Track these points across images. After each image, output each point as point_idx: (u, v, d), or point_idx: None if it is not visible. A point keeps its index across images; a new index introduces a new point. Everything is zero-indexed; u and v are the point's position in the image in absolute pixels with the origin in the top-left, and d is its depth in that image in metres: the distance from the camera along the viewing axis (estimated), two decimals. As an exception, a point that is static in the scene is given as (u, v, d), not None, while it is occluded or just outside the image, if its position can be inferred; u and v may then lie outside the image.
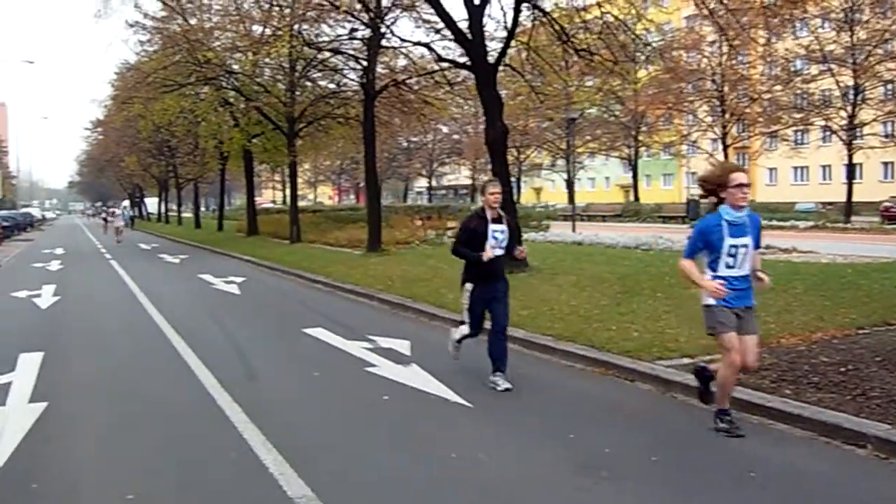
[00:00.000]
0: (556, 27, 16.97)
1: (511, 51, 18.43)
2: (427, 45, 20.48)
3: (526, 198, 75.57)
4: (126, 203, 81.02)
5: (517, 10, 16.37)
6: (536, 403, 7.54)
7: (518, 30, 17.34)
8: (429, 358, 9.62)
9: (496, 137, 16.52)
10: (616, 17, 17.01)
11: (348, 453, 6.30)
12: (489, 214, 8.34)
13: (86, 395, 8.54)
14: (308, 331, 11.90)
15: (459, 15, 17.18)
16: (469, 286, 8.53)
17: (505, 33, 18.48)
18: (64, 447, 6.69)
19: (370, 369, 9.19)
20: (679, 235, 25.55)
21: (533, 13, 17.03)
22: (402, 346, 10.39)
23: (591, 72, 18.60)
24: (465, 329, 8.69)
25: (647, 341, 9.38)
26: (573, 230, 31.58)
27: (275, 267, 23.03)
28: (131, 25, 31.80)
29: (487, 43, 17.25)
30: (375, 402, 7.79)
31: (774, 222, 35.75)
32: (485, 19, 16.69)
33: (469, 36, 16.51)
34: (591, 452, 6.17)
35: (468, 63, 17.45)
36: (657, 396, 7.81)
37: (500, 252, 8.34)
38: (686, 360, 8.59)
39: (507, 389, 7.93)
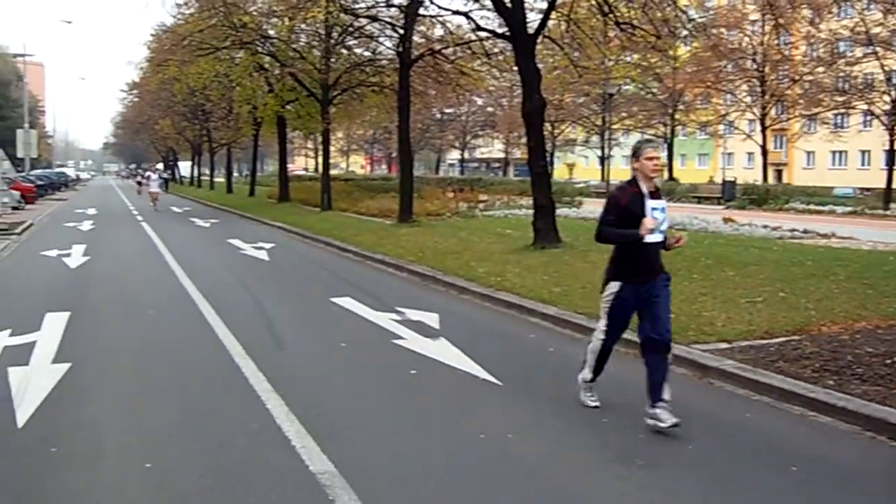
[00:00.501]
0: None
1: (550, 23, 18.01)
2: (465, 14, 20.12)
3: (558, 173, 74.86)
4: (160, 166, 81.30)
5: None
6: (568, 384, 7.30)
7: (558, 1, 16.93)
8: (458, 332, 9.42)
9: (533, 110, 16.20)
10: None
11: (373, 429, 6.12)
12: (645, 187, 6.30)
13: (110, 358, 8.44)
14: (336, 300, 11.74)
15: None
16: (615, 285, 6.42)
17: (544, 4, 18.14)
18: (85, 411, 6.57)
19: (398, 342, 9.00)
20: (714, 216, 25.19)
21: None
22: (431, 320, 10.19)
23: (631, 46, 18.20)
24: (590, 363, 6.67)
25: (682, 324, 9.09)
26: (607, 207, 31.10)
27: (305, 234, 22.92)
28: (168, -14, 31.65)
29: (526, 14, 16.85)
30: (402, 376, 7.60)
31: (812, 206, 35.08)
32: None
33: (509, 5, 16.15)
34: (624, 438, 5.96)
35: (507, 33, 17.09)
36: (693, 381, 7.55)
37: (659, 237, 6.31)
38: (723, 345, 8.34)
39: (674, 425, 5.92)
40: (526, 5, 16.94)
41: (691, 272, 12.76)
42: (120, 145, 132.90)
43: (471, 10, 20.48)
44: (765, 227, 21.61)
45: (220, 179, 72.50)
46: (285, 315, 10.94)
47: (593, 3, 17.07)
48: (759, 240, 18.57)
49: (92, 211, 36.01)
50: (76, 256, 17.47)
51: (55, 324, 9.90)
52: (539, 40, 17.31)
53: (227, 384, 7.32)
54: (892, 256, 15.02)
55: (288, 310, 11.45)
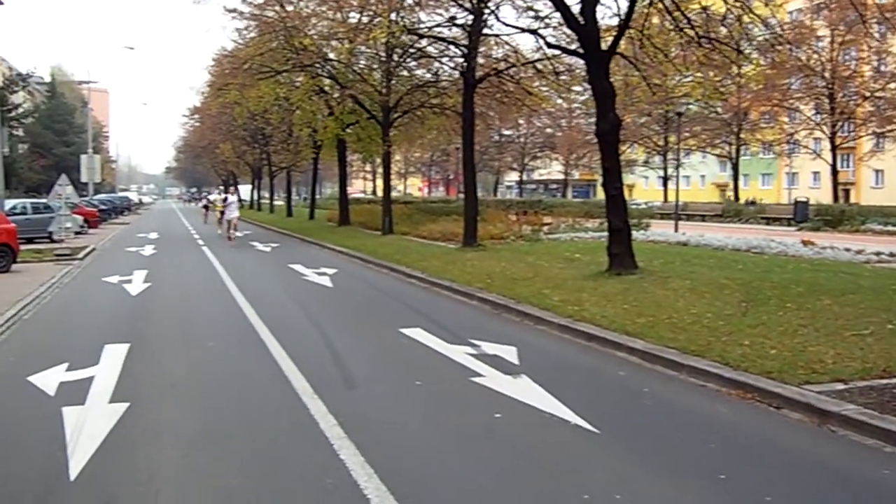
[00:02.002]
0: (674, 13, 15.80)
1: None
2: (534, 32, 19.46)
3: (619, 195, 73.66)
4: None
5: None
6: (673, 432, 6.56)
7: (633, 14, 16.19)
8: (539, 368, 8.74)
9: (608, 129, 15.45)
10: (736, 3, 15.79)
11: (462, 486, 5.45)
12: None
13: (170, 396, 7.90)
14: (406, 331, 11.12)
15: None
16: None
17: (615, 21, 17.50)
18: (143, 460, 6.01)
19: (476, 379, 8.33)
20: (790, 239, 24.11)
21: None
22: (509, 354, 9.51)
23: (708, 62, 17.35)
24: None
25: (788, 360, 8.30)
26: (675, 230, 30.20)
27: (367, 259, 22.40)
28: (229, 11, 31.54)
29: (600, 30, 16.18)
30: (487, 421, 6.91)
31: (890, 227, 33.58)
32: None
33: (581, 21, 15.47)
34: (750, 501, 5.19)
35: (579, 50, 16.41)
36: (812, 430, 6.74)
37: None
38: (839, 386, 7.51)
39: None
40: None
41: (783, 300, 11.90)
42: (181, 169, 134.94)
43: (539, 28, 19.79)
44: (846, 249, 20.53)
45: (279, 202, 72.69)
46: (353, 348, 10.33)
47: (668, 17, 16.31)
48: (847, 264, 17.55)
49: (154, 235, 36.04)
50: (137, 283, 17.14)
51: (114, 357, 9.45)
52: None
53: (295, 429, 6.72)
54: None
55: (355, 342, 10.83)
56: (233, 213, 32.14)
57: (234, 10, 31.37)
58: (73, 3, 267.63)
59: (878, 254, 19.73)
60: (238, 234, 32.44)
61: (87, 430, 6.60)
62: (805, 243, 21.88)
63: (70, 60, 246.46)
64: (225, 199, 36.83)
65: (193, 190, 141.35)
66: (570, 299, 12.84)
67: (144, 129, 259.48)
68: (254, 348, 10.18)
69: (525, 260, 19.04)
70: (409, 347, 10.21)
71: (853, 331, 9.67)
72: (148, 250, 26.73)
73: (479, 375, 8.49)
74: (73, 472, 5.66)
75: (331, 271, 19.29)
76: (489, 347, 9.89)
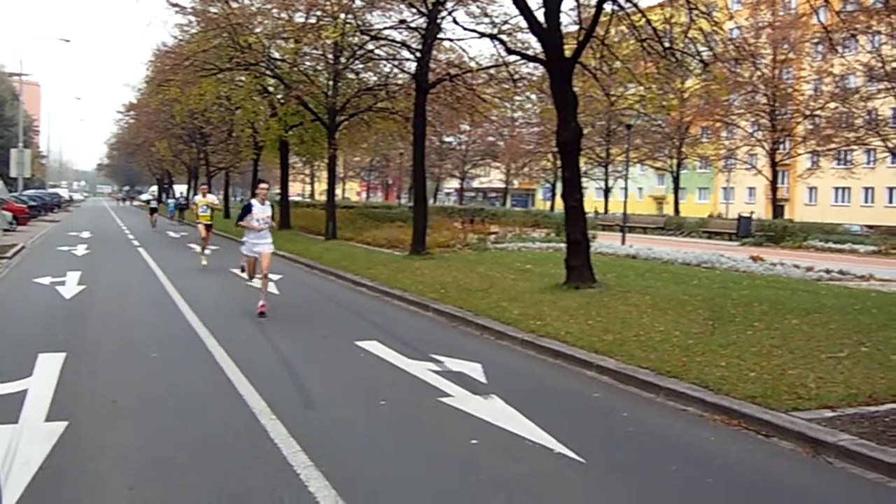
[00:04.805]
0: (637, 24, 15.53)
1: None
2: (493, 37, 19.01)
3: (558, 205, 73.92)
4: (154, 189, 79.84)
5: (601, 1, 14.87)
6: (665, 463, 6.12)
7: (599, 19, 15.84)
8: (509, 388, 8.27)
9: (571, 138, 15.03)
10: (701, 14, 15.59)
11: (448, 526, 4.93)
12: None
13: (113, 415, 7.22)
14: (362, 344, 10.55)
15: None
16: None
17: (575, 28, 17.17)
18: (86, 491, 5.36)
19: (445, 400, 7.81)
20: (738, 254, 24.09)
21: (614, 6, 15.54)
22: (475, 371, 9.02)
23: (666, 74, 17.14)
24: None
25: (769, 384, 7.95)
26: (623, 242, 30.08)
27: (312, 265, 21.73)
28: (172, 6, 30.56)
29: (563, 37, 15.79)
30: (463, 448, 6.39)
31: (832, 244, 33.96)
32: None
33: (545, 26, 15.07)
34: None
35: (541, 56, 16.01)
36: (810, 461, 6.35)
37: None
38: (827, 413, 7.18)
39: None
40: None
41: (749, 319, 11.64)
42: (114, 167, 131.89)
43: (498, 33, 19.34)
44: (796, 266, 20.53)
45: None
46: (308, 361, 9.72)
47: (628, 27, 16.04)
48: (801, 282, 17.45)
49: (86, 234, 34.76)
50: (71, 285, 16.25)
51: (49, 368, 8.72)
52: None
53: (256, 455, 6.10)
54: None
55: (310, 355, 10.21)
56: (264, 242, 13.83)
57: (176, 5, 30.44)
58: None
59: (828, 271, 19.79)
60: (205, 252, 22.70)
61: (22, 454, 5.91)
62: (754, 259, 21.86)
63: (1, 52, 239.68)
64: (249, 207, 13.86)
65: (127, 188, 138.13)
66: (531, 313, 12.40)
67: (77, 124, 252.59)
68: (201, 360, 9.52)
69: (476, 270, 18.59)
70: (367, 362, 9.64)
71: (828, 353, 9.41)
72: (81, 250, 25.64)
73: (448, 395, 7.97)
74: (7, 507, 5.00)
75: (275, 277, 18.51)
76: (453, 364, 9.38)
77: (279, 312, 13.59)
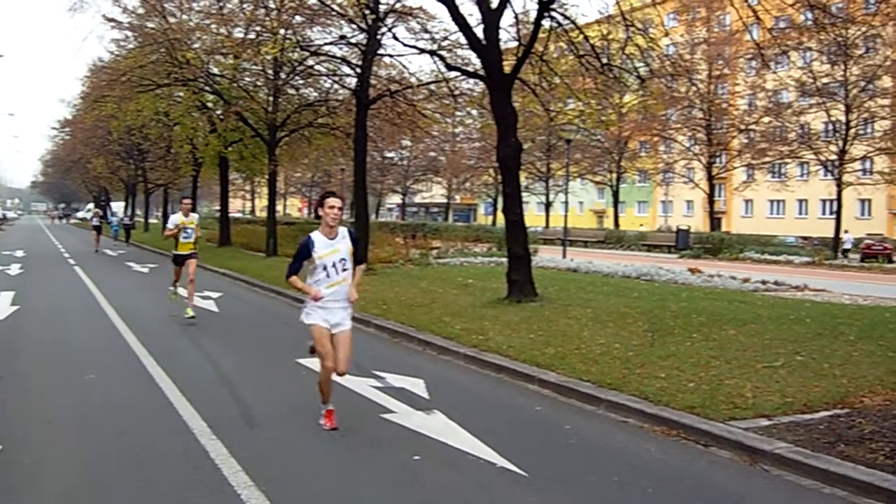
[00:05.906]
0: (575, 40, 15.73)
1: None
2: (433, 53, 19.10)
3: (500, 220, 74.35)
4: (91, 206, 78.36)
5: (540, 17, 15.03)
6: (607, 475, 6.17)
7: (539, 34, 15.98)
8: (452, 403, 8.28)
9: (510, 154, 15.13)
10: (637, 30, 15.86)
11: (391, 544, 4.91)
12: None
13: (47, 439, 7.04)
14: (303, 361, 10.44)
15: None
16: None
17: (514, 45, 17.34)
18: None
19: (387, 416, 7.80)
20: (677, 266, 24.47)
21: (553, 23, 15.71)
22: (417, 387, 9.02)
23: (604, 90, 17.39)
24: None
25: (707, 395, 8.08)
26: (564, 256, 30.34)
27: (253, 282, 21.50)
28: (108, 20, 30.16)
29: (502, 53, 15.90)
30: (406, 464, 6.38)
31: (767, 256, 34.70)
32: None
33: (484, 42, 15.17)
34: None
35: (480, 72, 16.11)
36: (747, 470, 6.45)
37: None
38: (764, 422, 7.32)
39: None
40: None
41: (688, 330, 11.82)
42: (49, 184, 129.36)
43: (438, 49, 19.44)
44: (733, 277, 20.95)
45: (154, 221, 70.25)
46: (249, 380, 9.62)
47: (570, 44, 16.23)
48: (738, 293, 17.78)
49: (20, 253, 33.95)
50: (3, 306, 15.87)
51: (-20, 392, 8.49)
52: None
53: (196, 476, 6.01)
54: (887, 313, 14.29)
55: (251, 373, 10.09)
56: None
57: (112, 20, 30.10)
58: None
59: (763, 282, 20.20)
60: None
61: (-48, 481, 5.76)
62: (692, 271, 22.22)
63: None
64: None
65: (63, 205, 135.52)
66: (473, 328, 12.44)
67: (10, 140, 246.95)
68: (139, 380, 9.36)
69: (418, 285, 18.59)
70: (308, 379, 9.51)
71: (764, 362, 9.59)
72: (14, 269, 25.05)
73: (390, 412, 7.96)
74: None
75: (215, 295, 18.38)
76: (395, 380, 9.37)
77: (220, 330, 13.45)
